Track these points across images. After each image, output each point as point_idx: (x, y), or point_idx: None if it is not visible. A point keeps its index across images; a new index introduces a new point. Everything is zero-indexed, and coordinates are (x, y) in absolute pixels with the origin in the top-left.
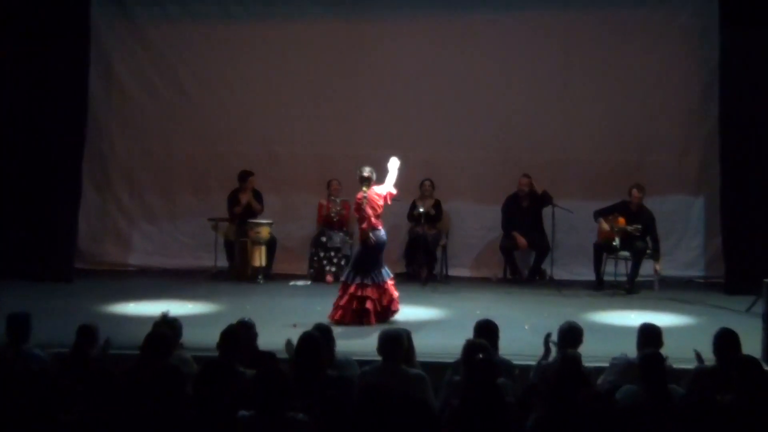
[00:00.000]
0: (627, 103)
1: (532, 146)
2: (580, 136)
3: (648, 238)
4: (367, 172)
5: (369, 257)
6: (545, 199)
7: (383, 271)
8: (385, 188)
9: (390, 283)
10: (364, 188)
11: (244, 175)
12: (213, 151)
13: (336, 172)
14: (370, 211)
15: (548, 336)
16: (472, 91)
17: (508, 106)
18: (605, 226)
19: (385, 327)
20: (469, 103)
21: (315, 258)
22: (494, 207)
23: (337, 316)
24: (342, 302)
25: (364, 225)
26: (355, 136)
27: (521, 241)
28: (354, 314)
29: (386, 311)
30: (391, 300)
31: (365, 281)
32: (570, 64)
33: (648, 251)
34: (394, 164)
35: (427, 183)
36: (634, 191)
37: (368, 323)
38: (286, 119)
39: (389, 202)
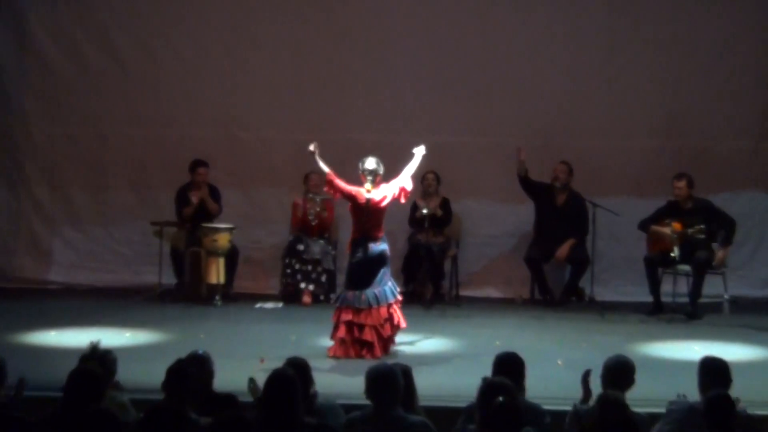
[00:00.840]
0: (688, 78)
1: (566, 129)
2: (629, 117)
3: (716, 237)
4: (373, 163)
5: (367, 270)
6: (578, 204)
7: (387, 288)
8: (398, 183)
9: (395, 305)
10: (368, 186)
11: (196, 166)
12: (157, 136)
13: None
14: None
15: (587, 374)
16: (488, 60)
17: (536, 80)
18: (664, 230)
19: (375, 363)
20: (485, 75)
21: (288, 273)
22: (518, 206)
23: (339, 353)
24: (340, 334)
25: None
26: (340, 117)
27: (561, 250)
28: (357, 346)
29: (391, 338)
30: (397, 324)
31: (359, 304)
32: (616, 27)
33: (718, 266)
34: (419, 152)
35: (431, 177)
36: (676, 182)
37: (373, 357)
38: (252, 96)
39: (403, 201)
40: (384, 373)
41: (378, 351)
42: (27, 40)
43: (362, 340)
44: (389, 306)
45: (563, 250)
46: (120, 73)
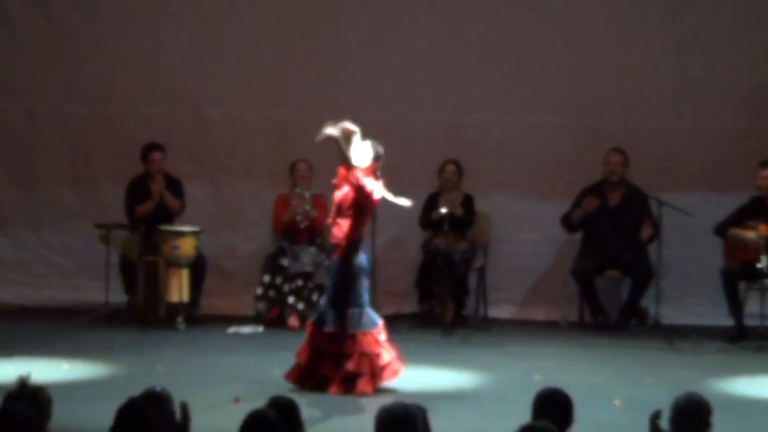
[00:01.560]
0: None
1: (621, 108)
2: (703, 92)
3: None
4: (381, 148)
5: (350, 283)
6: (637, 201)
7: (367, 312)
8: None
9: (377, 334)
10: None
11: (149, 151)
12: (101, 115)
13: (303, 148)
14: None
15: (656, 417)
16: (525, 18)
17: (582, 46)
18: (748, 234)
19: (387, 402)
20: (521, 37)
21: (270, 289)
22: (561, 204)
23: (293, 376)
24: (302, 358)
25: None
26: (334, 91)
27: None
28: (315, 377)
29: (370, 377)
30: (381, 365)
31: (334, 326)
32: None
33: None
34: (403, 203)
35: (451, 168)
36: (761, 171)
37: (334, 392)
38: (223, 65)
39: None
40: (399, 416)
41: (334, 387)
42: None
43: (351, 373)
44: (369, 334)
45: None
46: (54, 35)
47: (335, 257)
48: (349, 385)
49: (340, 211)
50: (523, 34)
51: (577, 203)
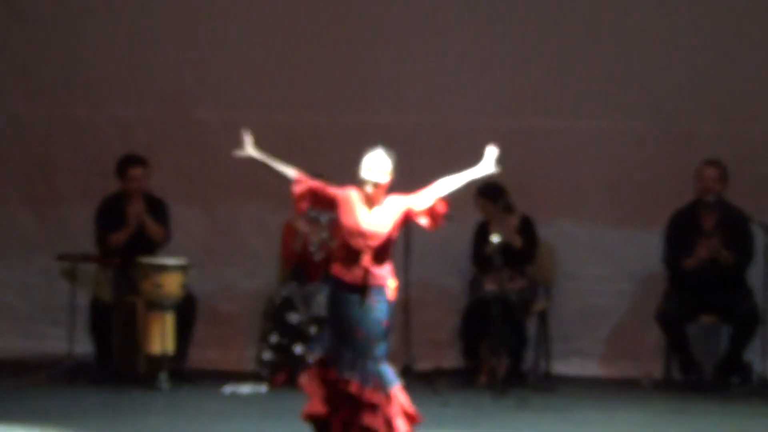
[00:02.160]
0: None
1: (720, 110)
2: None
3: None
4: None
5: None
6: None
7: (384, 368)
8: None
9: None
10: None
11: (127, 166)
12: (67, 119)
13: (318, 159)
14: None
15: None
16: (587, 6)
17: (674, 31)
18: None
19: None
20: (590, 23)
21: (276, 338)
22: (644, 233)
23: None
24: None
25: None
26: (357, 89)
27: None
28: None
29: None
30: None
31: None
32: None
33: None
34: (490, 155)
35: (481, 201)
36: None
37: None
38: (218, 59)
39: (427, 223)
40: None
41: None
42: None
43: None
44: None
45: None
46: (10, 22)
47: (385, 300)
48: None
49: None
50: (593, 20)
51: (675, 238)
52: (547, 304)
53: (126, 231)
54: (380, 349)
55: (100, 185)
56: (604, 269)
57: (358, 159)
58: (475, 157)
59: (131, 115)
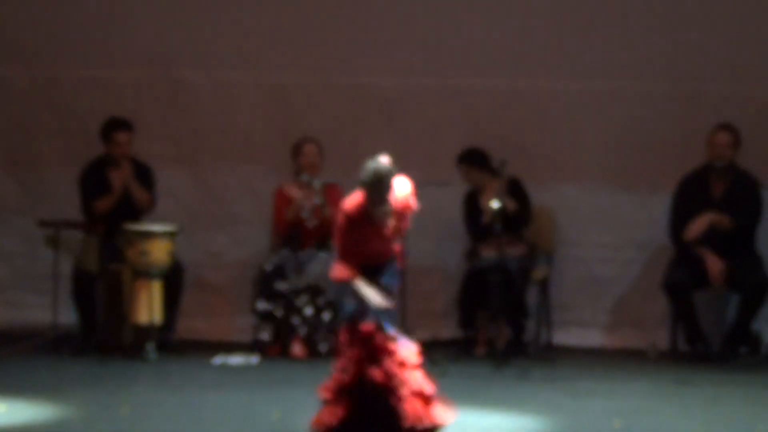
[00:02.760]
0: None
1: (733, 71)
2: None
3: None
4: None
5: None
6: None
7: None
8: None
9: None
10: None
11: (112, 130)
12: (47, 79)
13: (311, 122)
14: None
15: None
16: None
17: None
18: None
19: None
20: None
21: (267, 306)
22: (650, 197)
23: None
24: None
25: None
26: (350, 48)
27: (715, 266)
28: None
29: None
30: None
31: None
32: None
33: None
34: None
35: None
36: None
37: None
38: (204, 13)
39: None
40: None
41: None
42: None
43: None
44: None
45: (715, 265)
46: None
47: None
48: None
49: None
50: None
51: (682, 206)
52: (548, 272)
53: (112, 197)
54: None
55: (83, 148)
56: (607, 236)
57: (349, 120)
58: (469, 119)
59: (113, 75)
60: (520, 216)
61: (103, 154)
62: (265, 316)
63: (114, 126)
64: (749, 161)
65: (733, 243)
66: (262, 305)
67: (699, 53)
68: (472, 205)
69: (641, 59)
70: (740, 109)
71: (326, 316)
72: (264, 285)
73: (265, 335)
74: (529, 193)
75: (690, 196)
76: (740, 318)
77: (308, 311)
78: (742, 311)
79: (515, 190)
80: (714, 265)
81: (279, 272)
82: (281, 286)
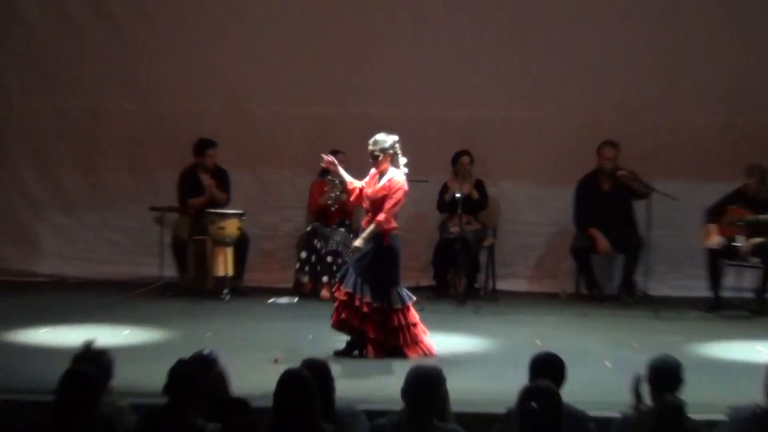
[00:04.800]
0: (759, 38)
1: (618, 104)
2: (690, 90)
3: None
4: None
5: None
6: (633, 187)
7: (401, 291)
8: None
9: (411, 310)
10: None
11: (205, 148)
12: (156, 111)
13: (335, 138)
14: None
15: (638, 380)
16: (529, 23)
17: (584, 48)
18: (713, 238)
19: (418, 363)
20: (525, 40)
21: (305, 265)
22: (562, 191)
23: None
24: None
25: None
26: (360, 89)
27: (602, 242)
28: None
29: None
30: (413, 339)
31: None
32: None
33: None
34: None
35: (466, 159)
36: (747, 176)
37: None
38: (263, 66)
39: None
40: (431, 376)
41: (371, 351)
42: (11, 5)
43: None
44: (401, 311)
45: (602, 242)
46: (114, 40)
47: (378, 243)
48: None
49: (375, 205)
50: (529, 42)
51: (580, 199)
52: (494, 241)
53: (201, 199)
54: None
55: (179, 157)
56: (533, 217)
57: (362, 140)
58: (445, 138)
59: (200, 108)
60: (480, 203)
61: (193, 162)
62: (304, 262)
63: (206, 144)
64: (629, 167)
65: (616, 218)
66: (303, 254)
67: (595, 93)
68: (444, 191)
69: (555, 96)
70: (622, 131)
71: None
72: (305, 241)
73: (304, 277)
74: (490, 194)
75: (585, 191)
76: (626, 272)
77: (333, 267)
78: (627, 267)
79: (479, 187)
80: (602, 244)
81: (314, 234)
82: (316, 243)
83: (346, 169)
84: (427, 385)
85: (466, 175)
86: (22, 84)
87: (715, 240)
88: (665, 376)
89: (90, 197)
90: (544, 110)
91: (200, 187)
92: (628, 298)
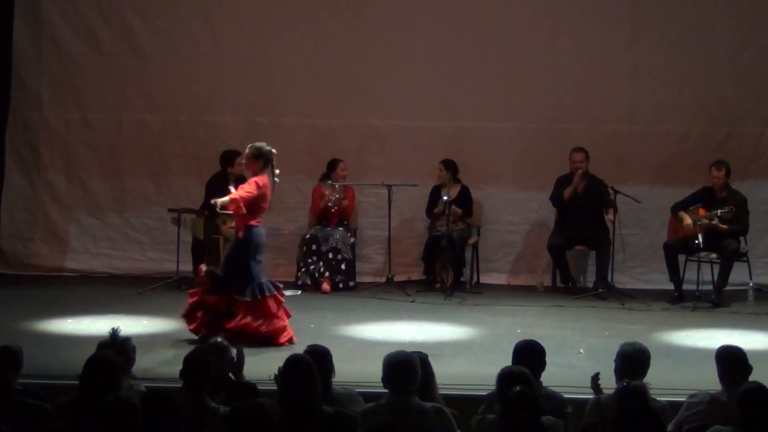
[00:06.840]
0: (713, 59)
1: (588, 115)
2: (653, 102)
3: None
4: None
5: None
6: (598, 189)
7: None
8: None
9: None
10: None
11: (236, 157)
12: (173, 122)
13: (334, 147)
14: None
15: (596, 378)
16: (508, 44)
17: (557, 64)
18: (687, 220)
19: (393, 351)
20: (505, 59)
21: (307, 261)
22: (539, 194)
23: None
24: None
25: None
26: (357, 102)
27: (687, 221)
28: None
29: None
30: (272, 329)
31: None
32: (640, 9)
33: (742, 253)
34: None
35: (438, 166)
36: (714, 170)
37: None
38: (270, 81)
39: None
40: (403, 361)
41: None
42: (43, 26)
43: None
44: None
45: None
46: (136, 58)
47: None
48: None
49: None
50: (507, 58)
51: (558, 187)
52: (478, 239)
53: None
54: None
55: (194, 164)
56: (514, 217)
57: (358, 147)
58: (432, 146)
59: (213, 120)
60: (463, 208)
61: (220, 171)
62: (305, 266)
63: (234, 154)
64: (598, 171)
65: (588, 218)
66: (302, 260)
67: (568, 105)
68: (434, 195)
69: (532, 109)
70: (590, 140)
71: (342, 266)
72: (306, 247)
73: (307, 279)
74: (474, 197)
75: (561, 184)
76: (599, 267)
77: (332, 263)
78: (600, 262)
79: (464, 194)
80: (687, 223)
81: (314, 239)
82: (314, 247)
83: (343, 179)
84: (402, 369)
85: (444, 182)
86: (53, 98)
87: (688, 221)
88: (634, 361)
89: (114, 200)
90: (521, 121)
91: (227, 192)
92: (599, 290)
